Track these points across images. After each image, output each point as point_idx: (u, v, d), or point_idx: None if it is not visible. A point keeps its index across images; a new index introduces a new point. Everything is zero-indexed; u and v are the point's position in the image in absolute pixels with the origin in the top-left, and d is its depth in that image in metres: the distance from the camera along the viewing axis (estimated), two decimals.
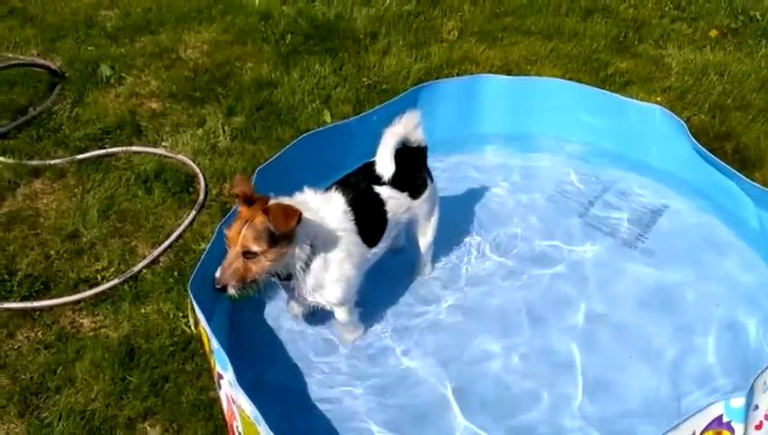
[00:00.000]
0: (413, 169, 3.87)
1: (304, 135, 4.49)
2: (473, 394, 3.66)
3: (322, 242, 3.49)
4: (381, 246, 3.81)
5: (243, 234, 3.25)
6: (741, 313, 3.97)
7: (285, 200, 3.41)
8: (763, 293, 4.07)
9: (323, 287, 3.57)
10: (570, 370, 3.75)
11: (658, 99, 5.48)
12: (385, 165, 3.70)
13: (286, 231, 3.28)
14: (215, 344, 3.29)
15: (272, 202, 3.33)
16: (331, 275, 3.55)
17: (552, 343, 3.88)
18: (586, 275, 4.23)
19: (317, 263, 3.49)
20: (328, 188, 3.68)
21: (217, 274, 3.26)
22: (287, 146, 4.40)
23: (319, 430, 3.52)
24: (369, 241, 3.70)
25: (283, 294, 3.98)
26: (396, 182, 3.75)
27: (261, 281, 3.37)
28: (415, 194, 3.88)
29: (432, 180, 4.00)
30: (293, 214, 3.25)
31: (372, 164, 3.75)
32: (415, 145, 3.84)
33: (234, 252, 3.27)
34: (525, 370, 3.75)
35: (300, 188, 3.59)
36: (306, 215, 3.36)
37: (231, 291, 3.29)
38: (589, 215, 4.60)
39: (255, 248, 3.25)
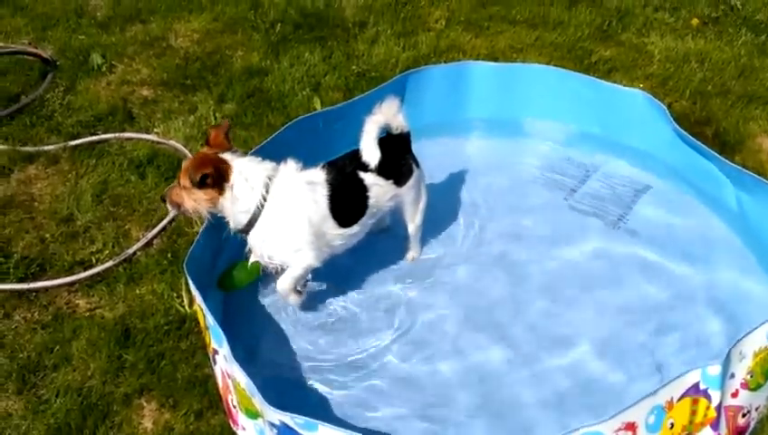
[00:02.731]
0: (398, 155, 3.97)
1: (295, 120, 4.58)
2: (459, 370, 3.78)
3: (279, 203, 3.68)
4: (358, 229, 3.91)
5: (183, 165, 3.69)
6: (720, 288, 4.09)
7: (248, 159, 3.72)
8: (740, 267, 4.19)
9: (272, 243, 3.73)
10: (555, 346, 3.87)
11: (641, 85, 5.58)
12: (369, 153, 3.80)
13: (196, 178, 3.57)
14: (210, 321, 3.39)
15: (207, 150, 3.68)
16: (282, 234, 3.72)
17: (539, 322, 3.99)
18: (571, 256, 4.34)
19: (270, 219, 3.68)
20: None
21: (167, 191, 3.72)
22: (278, 130, 4.49)
23: (312, 404, 3.61)
24: (342, 221, 3.82)
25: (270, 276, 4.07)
26: (382, 170, 3.85)
27: (194, 214, 3.73)
28: (400, 181, 3.98)
29: (418, 166, 4.09)
30: (205, 167, 3.58)
31: (359, 151, 3.85)
32: (398, 132, 3.92)
33: (178, 178, 3.69)
34: (513, 353, 3.85)
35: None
36: (273, 176, 3.68)
37: (168, 205, 3.79)
38: (574, 197, 4.70)
39: (185, 182, 3.64)
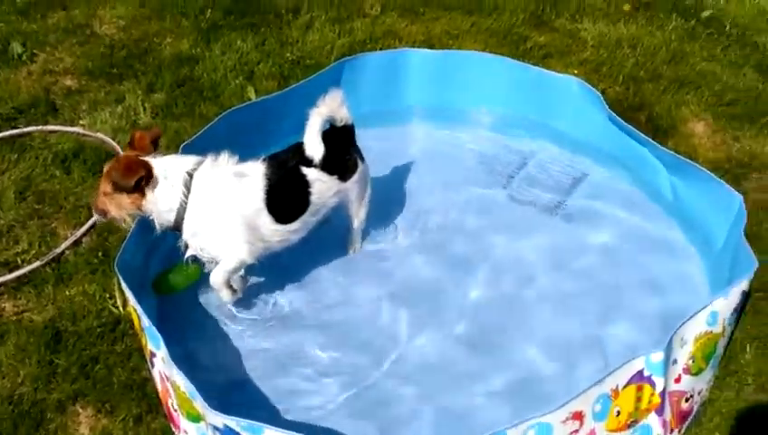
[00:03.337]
0: (343, 149, 3.88)
1: (228, 110, 4.44)
2: (396, 362, 3.75)
3: (204, 196, 3.58)
4: (298, 226, 3.81)
5: (104, 169, 3.55)
6: (658, 273, 4.15)
7: (168, 157, 3.63)
8: (678, 252, 4.27)
9: (202, 236, 3.63)
10: (498, 337, 3.87)
11: (575, 71, 5.62)
12: (313, 147, 3.70)
13: (123, 185, 3.47)
14: (145, 322, 3.26)
15: (129, 152, 3.58)
16: (211, 227, 3.62)
17: (482, 314, 3.97)
18: (511, 245, 4.34)
19: (196, 213, 3.58)
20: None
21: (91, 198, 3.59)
22: (211, 122, 4.35)
23: (256, 405, 3.51)
24: (280, 217, 3.71)
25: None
26: (326, 165, 3.75)
27: (120, 218, 3.61)
28: (345, 176, 3.90)
29: (363, 160, 4.02)
30: (135, 172, 3.45)
31: (303, 144, 3.75)
32: (341, 124, 3.83)
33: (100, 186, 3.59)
34: (455, 345, 3.83)
35: None
36: (194, 170, 3.57)
37: (95, 213, 3.69)
38: (512, 186, 4.70)
39: (106, 188, 3.54)
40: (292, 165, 3.73)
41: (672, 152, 4.38)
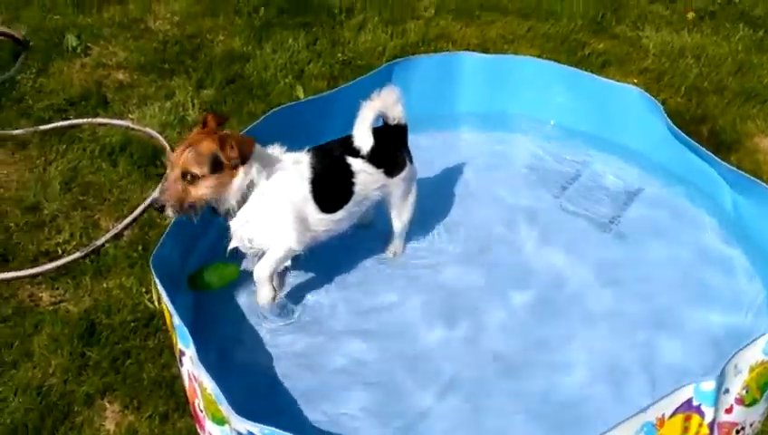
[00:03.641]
0: (393, 147, 3.81)
1: (274, 110, 4.38)
2: (428, 373, 3.59)
3: (266, 184, 3.54)
4: (342, 216, 3.75)
5: (185, 156, 3.31)
6: (715, 293, 3.93)
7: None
8: (739, 273, 4.02)
9: (253, 224, 3.57)
10: (539, 355, 3.69)
11: (635, 80, 5.43)
12: (363, 138, 3.64)
13: (238, 157, 3.35)
14: (176, 321, 3.19)
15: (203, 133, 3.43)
16: (264, 215, 3.55)
17: (522, 328, 3.80)
18: (558, 259, 4.15)
19: (254, 199, 3.53)
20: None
21: (155, 193, 3.31)
22: (257, 120, 4.29)
23: (284, 409, 3.42)
24: (325, 206, 3.65)
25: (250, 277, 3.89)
26: (373, 158, 3.69)
27: (199, 208, 3.43)
28: (391, 172, 3.82)
29: (411, 162, 3.94)
30: (250, 142, 3.40)
31: (352, 136, 3.69)
32: (395, 123, 3.78)
33: (174, 173, 3.33)
34: (478, 357, 3.67)
35: None
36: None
37: (169, 212, 3.37)
38: (563, 196, 4.53)
39: (196, 171, 3.32)
40: (338, 154, 3.69)
41: (734, 168, 4.14)
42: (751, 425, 3.20)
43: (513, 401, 3.47)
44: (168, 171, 3.41)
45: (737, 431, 3.12)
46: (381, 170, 3.77)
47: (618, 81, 5.34)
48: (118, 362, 3.57)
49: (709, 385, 2.95)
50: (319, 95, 4.65)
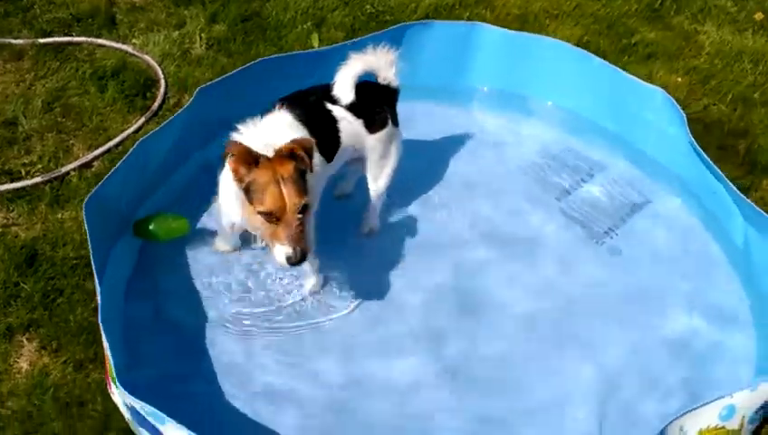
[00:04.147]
0: (377, 103, 3.56)
1: (257, 61, 4.11)
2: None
3: None
4: (335, 167, 3.54)
5: (287, 193, 2.89)
6: (697, 333, 3.55)
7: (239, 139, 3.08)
8: (729, 316, 3.62)
9: None
10: (489, 364, 3.42)
11: (679, 79, 4.93)
12: (343, 89, 3.42)
13: (309, 161, 2.98)
14: (94, 266, 3.05)
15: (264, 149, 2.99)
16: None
17: (485, 330, 3.54)
18: (540, 262, 3.84)
19: None
20: (268, 110, 3.33)
21: (288, 250, 2.89)
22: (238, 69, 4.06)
23: (206, 376, 3.25)
24: (326, 155, 3.39)
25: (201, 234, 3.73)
26: (353, 107, 3.45)
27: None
28: (371, 127, 3.55)
29: (396, 125, 3.66)
30: (310, 141, 3.08)
31: (331, 86, 3.45)
32: (385, 83, 3.57)
33: (289, 217, 2.90)
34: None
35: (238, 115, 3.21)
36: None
37: (311, 255, 3.12)
38: (566, 196, 4.17)
39: (305, 199, 2.95)
40: (315, 100, 3.43)
41: (746, 199, 3.66)
42: None
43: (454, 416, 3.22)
44: (274, 224, 2.94)
45: None
46: (361, 122, 3.51)
47: (661, 77, 4.91)
48: (49, 298, 3.45)
49: None
50: (312, 50, 4.32)
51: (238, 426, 3.06)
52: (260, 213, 2.91)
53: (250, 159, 2.90)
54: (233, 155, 2.90)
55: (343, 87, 3.41)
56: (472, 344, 3.47)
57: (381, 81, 3.58)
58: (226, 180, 3.17)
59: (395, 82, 3.61)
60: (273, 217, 2.90)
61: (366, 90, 3.50)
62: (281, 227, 2.90)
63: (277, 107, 3.35)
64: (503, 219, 4.03)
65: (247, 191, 2.93)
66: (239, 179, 2.93)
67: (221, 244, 3.70)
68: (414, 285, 3.68)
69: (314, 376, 3.31)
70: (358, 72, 3.43)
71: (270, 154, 2.95)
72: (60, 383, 3.17)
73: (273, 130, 3.14)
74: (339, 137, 3.45)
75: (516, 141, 4.48)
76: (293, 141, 2.98)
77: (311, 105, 3.41)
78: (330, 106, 3.45)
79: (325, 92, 3.45)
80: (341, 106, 3.44)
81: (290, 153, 2.92)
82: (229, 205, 3.25)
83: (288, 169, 2.91)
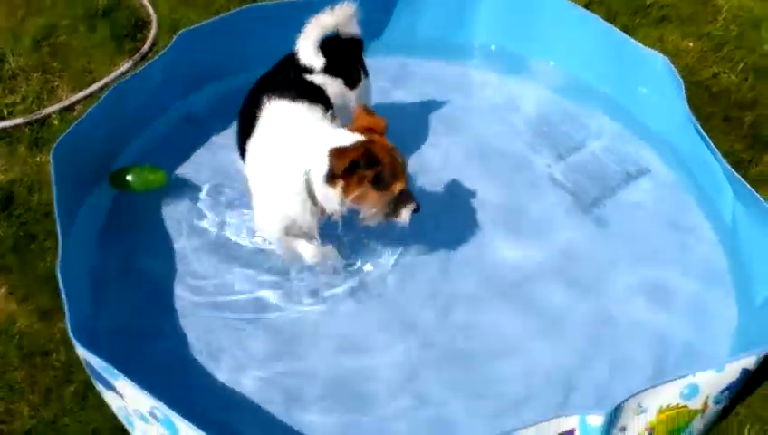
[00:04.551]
0: (347, 59, 3.50)
1: (246, 7, 4.00)
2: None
3: None
4: None
5: (402, 164, 3.03)
6: (677, 310, 3.44)
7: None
8: (712, 294, 3.50)
9: None
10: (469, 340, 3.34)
11: (690, 44, 4.74)
12: (309, 56, 3.33)
13: None
14: (57, 221, 3.01)
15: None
16: None
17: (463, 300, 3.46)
18: (522, 230, 3.73)
19: None
20: (258, 103, 3.20)
21: (412, 205, 3.08)
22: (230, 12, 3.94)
23: (165, 332, 3.22)
24: None
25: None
26: (328, 70, 3.37)
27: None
28: (350, 84, 3.49)
29: (366, 75, 3.61)
30: (359, 109, 3.17)
31: (293, 56, 3.34)
32: (348, 37, 3.47)
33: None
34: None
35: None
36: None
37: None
38: (558, 166, 4.03)
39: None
40: (295, 76, 3.33)
41: (737, 176, 3.47)
42: None
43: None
44: (399, 186, 3.01)
45: None
46: (341, 81, 3.44)
47: (672, 41, 4.72)
48: (21, 244, 3.44)
49: (596, 420, 2.59)
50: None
51: (198, 385, 3.03)
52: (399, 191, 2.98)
53: (368, 154, 2.89)
54: (357, 162, 2.87)
55: (309, 55, 3.34)
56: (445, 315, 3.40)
57: (344, 36, 3.49)
58: (290, 188, 3.07)
59: (358, 35, 3.53)
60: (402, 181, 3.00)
61: (332, 48, 3.40)
62: (405, 193, 3.03)
63: (267, 102, 3.21)
64: (490, 184, 3.91)
65: (377, 181, 2.93)
66: (360, 179, 2.91)
67: (312, 251, 3.37)
68: (393, 251, 3.60)
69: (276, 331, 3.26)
70: (317, 37, 3.35)
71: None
72: (25, 331, 3.17)
73: (315, 131, 3.07)
74: (330, 102, 3.36)
75: (513, 103, 4.35)
76: (357, 118, 3.08)
77: (296, 84, 3.29)
78: (310, 78, 3.34)
79: (296, 67, 3.34)
80: (319, 73, 3.35)
81: (370, 128, 3.00)
82: (293, 209, 3.14)
83: (385, 138, 3.02)
